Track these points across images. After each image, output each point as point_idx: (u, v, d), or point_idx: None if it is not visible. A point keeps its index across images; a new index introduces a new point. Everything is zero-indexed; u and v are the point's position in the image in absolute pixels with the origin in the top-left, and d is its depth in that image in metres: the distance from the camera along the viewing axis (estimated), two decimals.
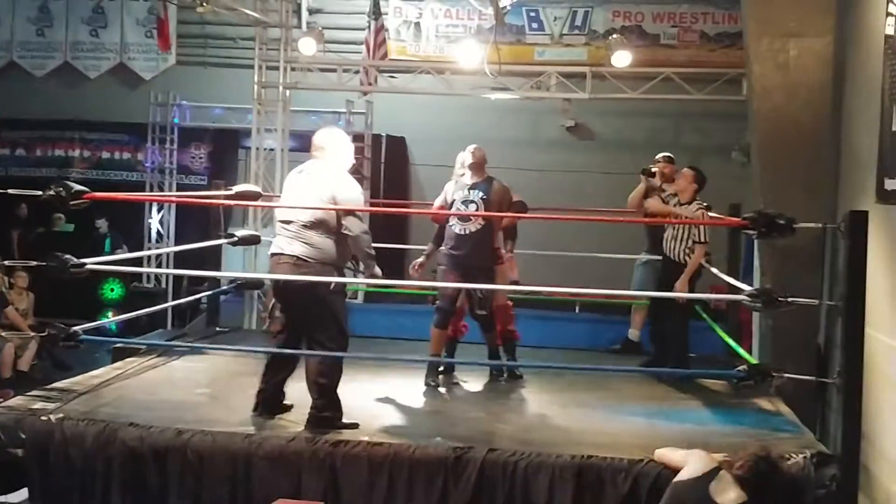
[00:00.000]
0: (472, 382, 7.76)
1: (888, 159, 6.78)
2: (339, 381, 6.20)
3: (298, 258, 6.16)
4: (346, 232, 6.20)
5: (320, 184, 6.22)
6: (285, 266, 6.18)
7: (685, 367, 8.11)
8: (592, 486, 5.47)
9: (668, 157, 9.43)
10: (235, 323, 11.36)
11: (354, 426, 6.08)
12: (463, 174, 8.04)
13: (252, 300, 12.65)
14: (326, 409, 6.10)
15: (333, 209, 6.17)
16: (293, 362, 6.43)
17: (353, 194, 6.29)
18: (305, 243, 6.16)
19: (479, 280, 7.59)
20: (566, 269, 12.91)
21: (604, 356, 9.32)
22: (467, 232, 7.79)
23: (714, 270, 8.54)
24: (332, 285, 6.15)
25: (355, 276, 6.94)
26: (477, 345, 8.26)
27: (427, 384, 7.59)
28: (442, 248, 7.94)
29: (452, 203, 7.93)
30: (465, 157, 8.05)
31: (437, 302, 8.00)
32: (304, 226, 6.18)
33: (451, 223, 7.88)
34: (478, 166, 7.99)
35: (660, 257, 8.65)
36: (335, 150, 6.40)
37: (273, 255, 6.32)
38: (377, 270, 6.42)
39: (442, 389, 7.55)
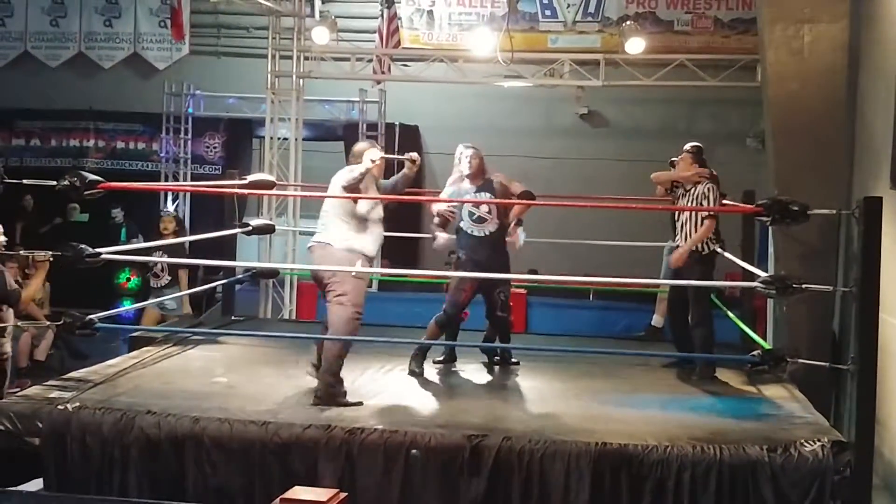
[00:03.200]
0: (480, 371, 7.75)
1: None
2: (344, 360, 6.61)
3: (318, 244, 6.77)
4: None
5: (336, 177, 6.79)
6: (312, 251, 6.82)
7: (710, 351, 8.00)
8: (608, 473, 5.48)
9: (697, 146, 9.17)
10: (251, 312, 11.41)
11: (359, 404, 6.38)
12: (462, 172, 7.80)
13: (267, 289, 12.70)
14: (334, 386, 6.47)
15: (329, 196, 6.79)
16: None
17: (339, 180, 6.74)
18: (326, 230, 6.75)
19: (498, 282, 7.62)
20: (580, 257, 12.95)
21: (621, 343, 9.31)
22: (485, 234, 7.70)
23: (729, 256, 8.50)
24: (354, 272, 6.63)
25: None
26: (474, 332, 8.32)
27: (412, 371, 7.46)
28: (458, 252, 7.84)
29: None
30: (462, 162, 7.77)
31: (446, 305, 7.76)
32: (325, 213, 6.81)
33: (463, 226, 7.75)
34: (477, 173, 7.79)
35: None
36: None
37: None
38: None
39: (452, 377, 7.54)
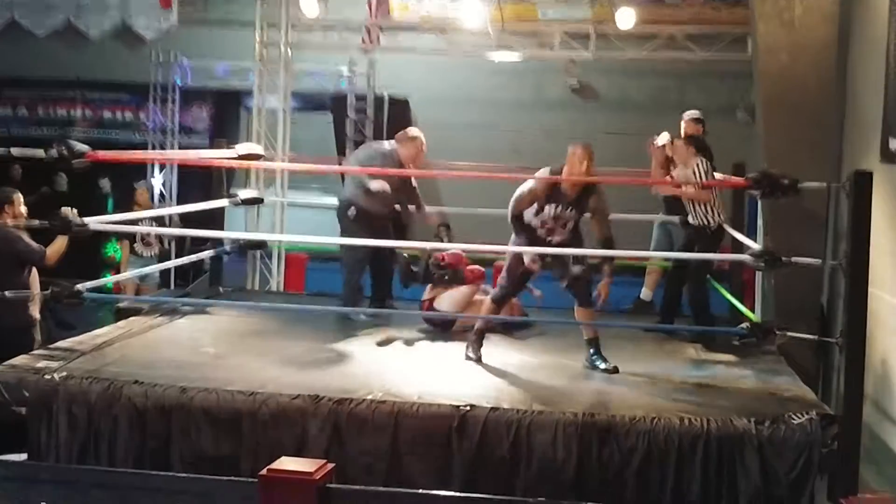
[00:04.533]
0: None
1: (893, 119, 6.77)
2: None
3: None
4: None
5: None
6: None
7: (709, 324, 8.06)
8: (595, 444, 5.49)
9: (696, 118, 9.19)
10: (238, 283, 11.39)
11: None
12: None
13: (255, 260, 12.68)
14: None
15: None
16: None
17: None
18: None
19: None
20: None
21: (609, 316, 9.30)
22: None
23: (730, 230, 8.44)
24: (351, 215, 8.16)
25: None
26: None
27: (468, 357, 7.00)
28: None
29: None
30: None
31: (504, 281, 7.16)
32: None
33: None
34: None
35: (673, 218, 8.62)
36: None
37: None
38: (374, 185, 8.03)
39: (442, 349, 7.52)
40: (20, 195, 7.68)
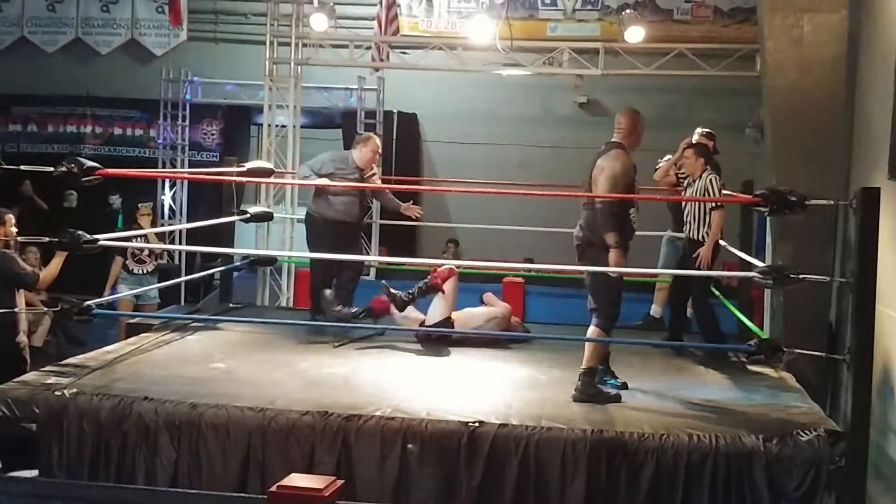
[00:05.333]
0: (478, 359, 7.74)
1: None
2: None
3: None
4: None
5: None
6: None
7: (719, 341, 8.10)
8: (604, 461, 5.49)
9: (708, 132, 9.15)
10: (248, 299, 11.40)
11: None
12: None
13: (265, 276, 12.70)
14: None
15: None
16: None
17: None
18: None
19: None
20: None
21: (618, 332, 9.30)
22: None
23: (724, 243, 8.50)
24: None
25: None
26: None
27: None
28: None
29: None
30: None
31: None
32: None
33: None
34: None
35: (681, 234, 8.65)
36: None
37: None
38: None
39: (451, 365, 7.53)
40: (12, 216, 7.72)
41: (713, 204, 8.03)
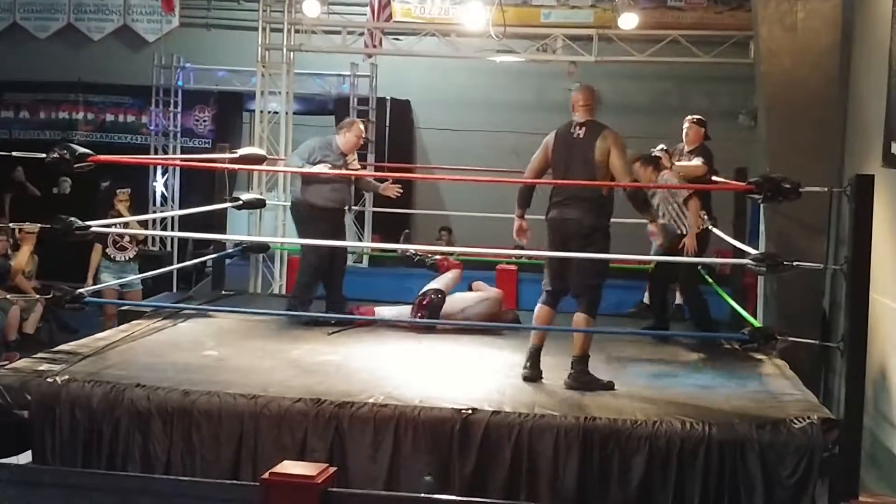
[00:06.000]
0: (473, 346, 7.74)
1: (895, 123, 6.76)
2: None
3: None
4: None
5: None
6: None
7: (710, 328, 8.11)
8: (596, 448, 5.50)
9: (699, 119, 9.19)
10: (241, 286, 11.38)
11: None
12: None
13: (257, 263, 12.67)
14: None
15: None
16: None
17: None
18: None
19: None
20: None
21: (611, 320, 9.30)
22: None
23: (718, 232, 8.50)
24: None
25: None
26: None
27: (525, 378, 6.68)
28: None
29: None
30: None
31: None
32: None
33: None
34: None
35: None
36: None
37: None
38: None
39: (444, 352, 7.52)
40: None
41: (682, 198, 8.03)
